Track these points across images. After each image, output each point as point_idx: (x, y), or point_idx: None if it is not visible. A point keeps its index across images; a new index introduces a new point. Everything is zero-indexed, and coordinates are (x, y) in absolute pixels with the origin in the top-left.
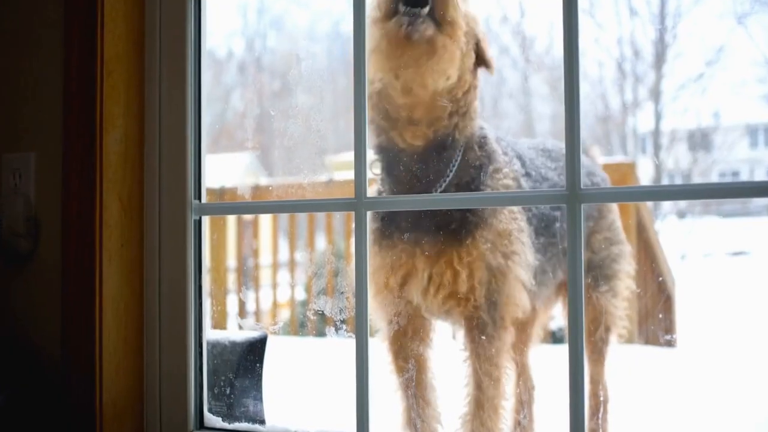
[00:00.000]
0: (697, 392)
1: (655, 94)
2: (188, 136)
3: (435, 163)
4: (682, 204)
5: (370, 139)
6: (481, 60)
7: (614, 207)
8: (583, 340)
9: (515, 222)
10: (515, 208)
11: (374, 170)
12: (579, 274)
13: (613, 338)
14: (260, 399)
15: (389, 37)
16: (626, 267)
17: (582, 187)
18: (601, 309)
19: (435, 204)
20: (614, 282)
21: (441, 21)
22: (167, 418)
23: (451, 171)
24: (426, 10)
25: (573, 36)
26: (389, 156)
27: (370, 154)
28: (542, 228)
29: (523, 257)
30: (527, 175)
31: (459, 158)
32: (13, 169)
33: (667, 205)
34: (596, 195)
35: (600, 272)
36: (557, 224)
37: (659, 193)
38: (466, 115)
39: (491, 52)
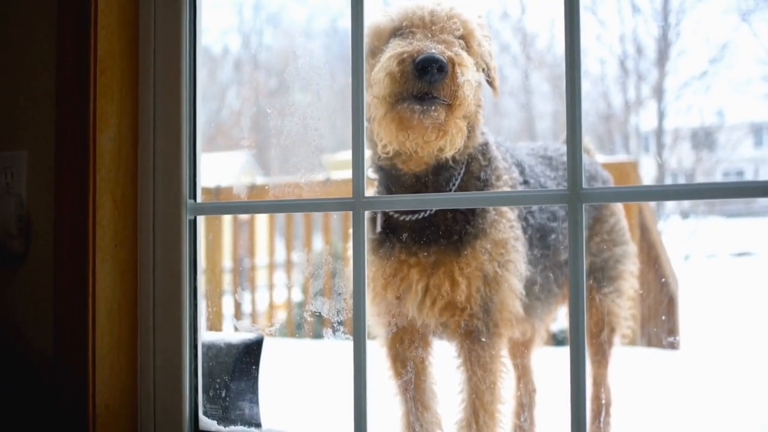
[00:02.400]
0: (700, 395)
1: (658, 92)
2: (183, 135)
3: (436, 181)
4: (686, 204)
5: (366, 156)
6: (489, 83)
7: (618, 207)
8: (585, 342)
9: (512, 230)
10: (512, 216)
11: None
12: (580, 275)
13: (617, 339)
14: (256, 402)
15: (400, 116)
16: (630, 267)
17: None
18: (604, 311)
19: (435, 204)
20: (619, 282)
21: (452, 101)
22: (161, 420)
23: (453, 185)
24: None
25: (575, 33)
26: (389, 176)
27: (369, 172)
28: (537, 239)
29: (518, 265)
30: (525, 183)
31: (462, 172)
32: (4, 167)
33: (670, 205)
34: (598, 194)
35: (603, 274)
36: (553, 235)
37: (662, 192)
38: (471, 135)
39: (497, 76)
